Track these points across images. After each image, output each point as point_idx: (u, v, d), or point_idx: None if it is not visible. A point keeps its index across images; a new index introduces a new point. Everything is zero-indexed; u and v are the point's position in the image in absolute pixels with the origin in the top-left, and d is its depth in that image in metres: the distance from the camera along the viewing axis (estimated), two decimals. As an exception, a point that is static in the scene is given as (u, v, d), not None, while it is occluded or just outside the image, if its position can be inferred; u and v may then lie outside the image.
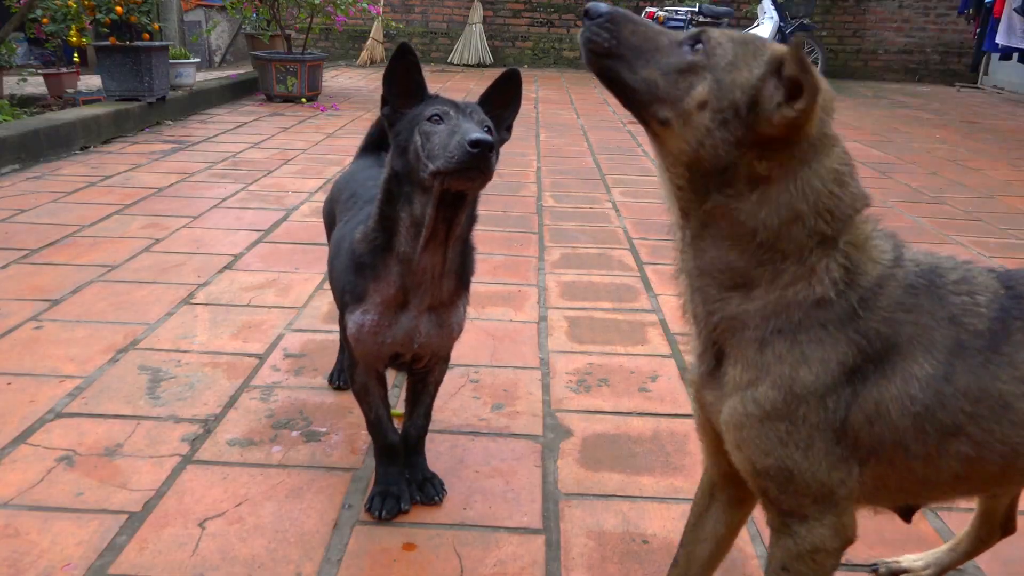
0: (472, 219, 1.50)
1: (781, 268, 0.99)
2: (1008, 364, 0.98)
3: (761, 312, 1.00)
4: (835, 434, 0.99)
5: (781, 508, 1.04)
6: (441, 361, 1.65)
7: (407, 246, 1.42)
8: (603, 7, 1.03)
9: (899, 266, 1.02)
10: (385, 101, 1.46)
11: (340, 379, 2.08)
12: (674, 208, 1.06)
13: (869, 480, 1.03)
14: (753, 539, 1.55)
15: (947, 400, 0.98)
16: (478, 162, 1.29)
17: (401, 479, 1.62)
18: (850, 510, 1.05)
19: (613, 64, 1.02)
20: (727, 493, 1.21)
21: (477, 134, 1.27)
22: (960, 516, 1.64)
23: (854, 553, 1.52)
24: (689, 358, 1.15)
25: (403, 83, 1.44)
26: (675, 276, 1.11)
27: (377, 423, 1.62)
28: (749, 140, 0.96)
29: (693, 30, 1.02)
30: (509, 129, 1.54)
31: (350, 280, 1.51)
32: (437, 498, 1.63)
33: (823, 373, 0.98)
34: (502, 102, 1.51)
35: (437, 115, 1.36)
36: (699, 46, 0.99)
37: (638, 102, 1.01)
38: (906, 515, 1.15)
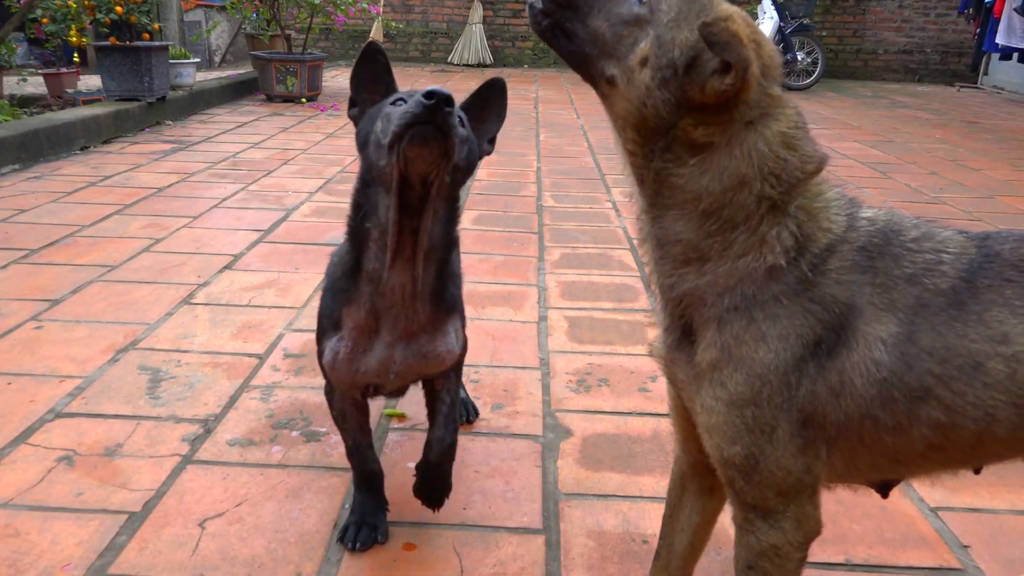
0: (449, 235, 1.37)
1: (730, 238, 0.97)
2: (978, 322, 0.93)
3: (714, 287, 0.98)
4: (801, 415, 0.96)
5: (745, 501, 1.02)
6: (445, 375, 1.52)
7: (375, 262, 1.32)
8: None
9: (853, 228, 0.99)
10: (353, 103, 1.39)
11: None
12: (629, 174, 1.05)
13: (839, 460, 1.00)
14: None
15: (913, 361, 0.93)
16: (433, 115, 1.14)
17: (380, 509, 1.54)
18: (815, 500, 1.02)
19: (563, 15, 0.99)
20: (697, 482, 1.20)
21: (433, 87, 1.16)
22: (961, 516, 1.65)
23: (854, 553, 1.52)
24: (653, 333, 1.13)
25: (372, 85, 1.38)
26: (640, 244, 1.08)
27: (355, 450, 1.54)
28: (685, 103, 0.94)
29: None
30: (492, 142, 1.43)
31: (326, 305, 1.44)
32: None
33: (782, 350, 0.95)
34: (484, 114, 1.41)
35: (401, 98, 1.27)
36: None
37: (587, 56, 0.99)
38: (883, 490, 1.11)
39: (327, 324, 1.43)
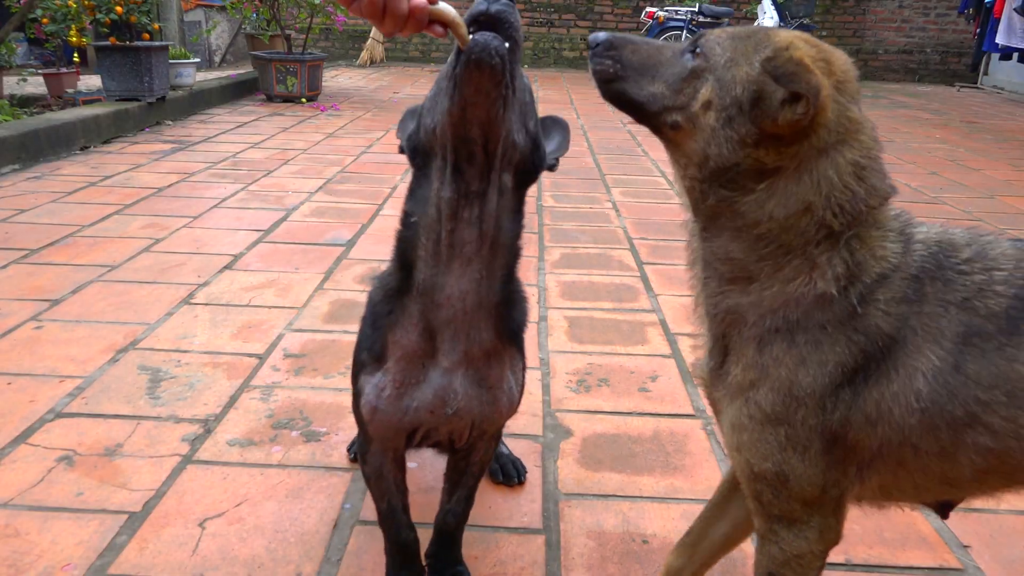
0: (517, 235, 1.16)
1: (782, 262, 0.97)
2: None
3: (758, 307, 0.98)
4: (832, 436, 0.97)
5: (771, 513, 1.03)
6: (490, 438, 1.32)
7: (428, 269, 1.10)
8: (601, 36, 1.05)
9: (907, 254, 0.97)
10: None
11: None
12: (685, 200, 1.06)
13: (876, 483, 1.01)
14: (753, 539, 1.55)
15: (957, 390, 0.92)
16: (493, 21, 0.98)
17: None
18: (839, 513, 1.03)
19: (621, 86, 1.03)
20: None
21: None
22: (961, 516, 1.64)
23: (854, 552, 1.52)
24: (696, 355, 1.13)
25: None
26: (689, 267, 1.10)
27: (390, 515, 1.32)
28: (755, 137, 0.94)
29: (693, 36, 1.03)
30: (556, 160, 1.25)
31: (364, 337, 1.21)
32: None
33: (820, 375, 0.95)
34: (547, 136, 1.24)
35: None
36: (699, 49, 0.98)
37: (649, 114, 1.02)
38: (942, 511, 1.11)
39: (366, 358, 1.19)
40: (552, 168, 1.21)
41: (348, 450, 1.81)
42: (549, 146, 1.23)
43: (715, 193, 0.99)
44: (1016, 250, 0.98)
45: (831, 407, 0.95)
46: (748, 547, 1.53)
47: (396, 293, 1.16)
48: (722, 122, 0.95)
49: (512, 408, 1.25)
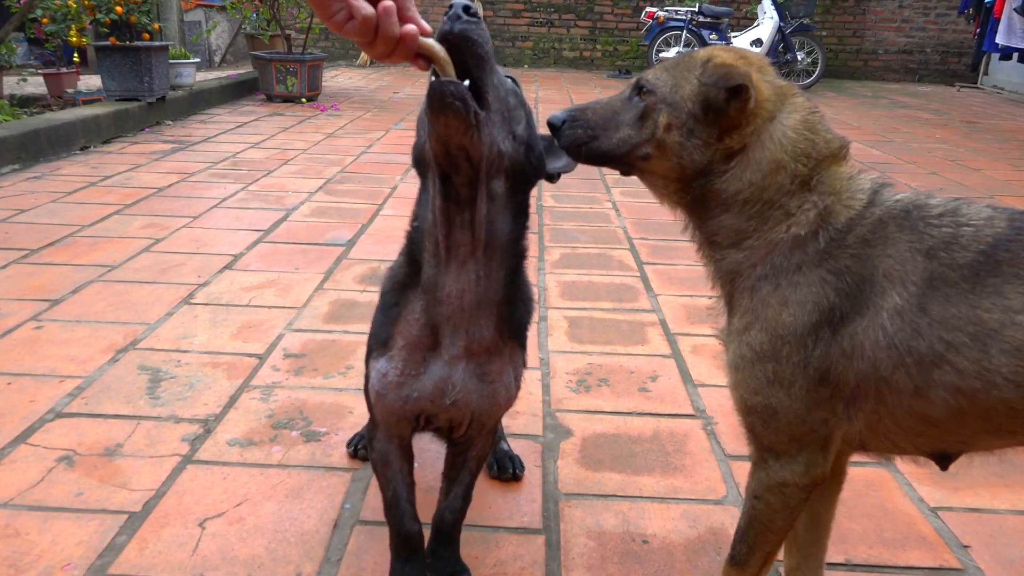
0: (517, 237, 1.20)
1: (767, 215, 1.10)
2: (994, 294, 0.98)
3: (750, 259, 1.11)
4: (816, 373, 1.05)
5: (762, 443, 1.13)
6: (486, 432, 1.34)
7: (431, 268, 1.18)
8: (559, 116, 1.19)
9: (875, 205, 1.08)
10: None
11: (358, 445, 1.79)
12: (674, 207, 1.21)
13: (862, 421, 1.07)
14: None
15: (922, 330, 1.00)
16: (456, 28, 1.03)
17: None
18: (827, 451, 1.10)
19: (594, 145, 1.18)
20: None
21: None
22: (961, 516, 1.65)
23: (854, 553, 1.52)
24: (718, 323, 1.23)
25: None
26: (697, 250, 1.21)
27: (394, 503, 1.34)
28: (717, 134, 1.10)
29: (631, 80, 1.19)
30: (557, 175, 1.30)
31: (376, 324, 1.28)
32: None
33: (801, 314, 1.05)
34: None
35: None
36: (643, 88, 1.14)
37: (621, 156, 1.17)
38: (942, 462, 1.14)
39: (375, 344, 1.26)
40: (552, 179, 1.30)
41: (348, 445, 1.82)
42: (557, 163, 1.29)
43: (698, 187, 1.13)
44: (990, 212, 1.05)
45: (812, 344, 1.05)
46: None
47: (403, 287, 1.23)
48: (685, 135, 1.11)
49: (509, 401, 1.30)
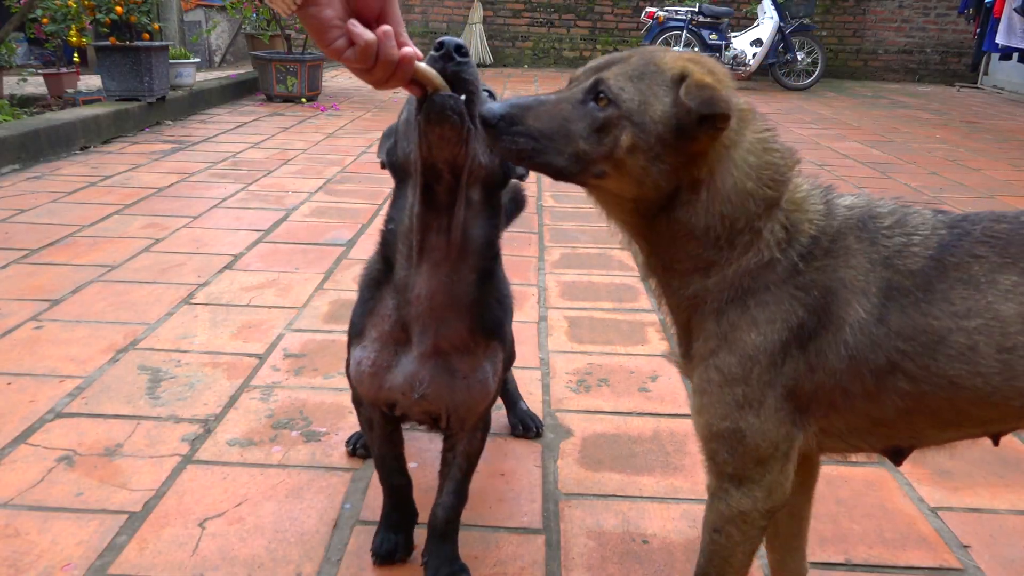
0: (491, 240, 1.26)
1: (736, 242, 1.04)
2: (942, 300, 1.00)
3: (718, 285, 1.06)
4: (784, 390, 1.04)
5: (724, 472, 1.09)
6: (471, 428, 1.38)
7: (403, 269, 1.24)
8: (496, 109, 1.01)
9: (832, 216, 1.06)
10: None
11: (357, 444, 1.82)
12: (625, 234, 1.12)
13: (816, 426, 1.07)
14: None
15: (880, 340, 1.01)
16: (449, 69, 1.10)
17: (406, 520, 1.49)
18: (787, 469, 1.09)
19: (542, 159, 1.02)
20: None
21: (443, 39, 1.12)
22: (961, 516, 1.65)
23: (854, 553, 1.52)
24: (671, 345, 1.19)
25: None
26: (644, 279, 1.15)
27: (381, 461, 1.46)
28: (683, 160, 1.00)
29: (586, 82, 1.02)
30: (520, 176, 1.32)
31: (354, 314, 1.36)
32: None
33: (770, 332, 1.03)
34: None
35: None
36: (602, 95, 1.00)
37: (573, 173, 1.03)
38: (895, 458, 1.16)
39: (353, 332, 1.36)
40: (522, 178, 1.31)
41: (347, 444, 1.82)
42: None
43: (661, 214, 1.04)
44: (934, 220, 1.07)
45: (781, 362, 1.03)
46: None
47: (377, 283, 1.31)
48: (650, 160, 0.99)
49: (486, 396, 1.33)
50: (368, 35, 0.99)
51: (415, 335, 1.26)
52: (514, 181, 1.32)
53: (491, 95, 1.20)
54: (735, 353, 1.04)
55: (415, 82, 1.08)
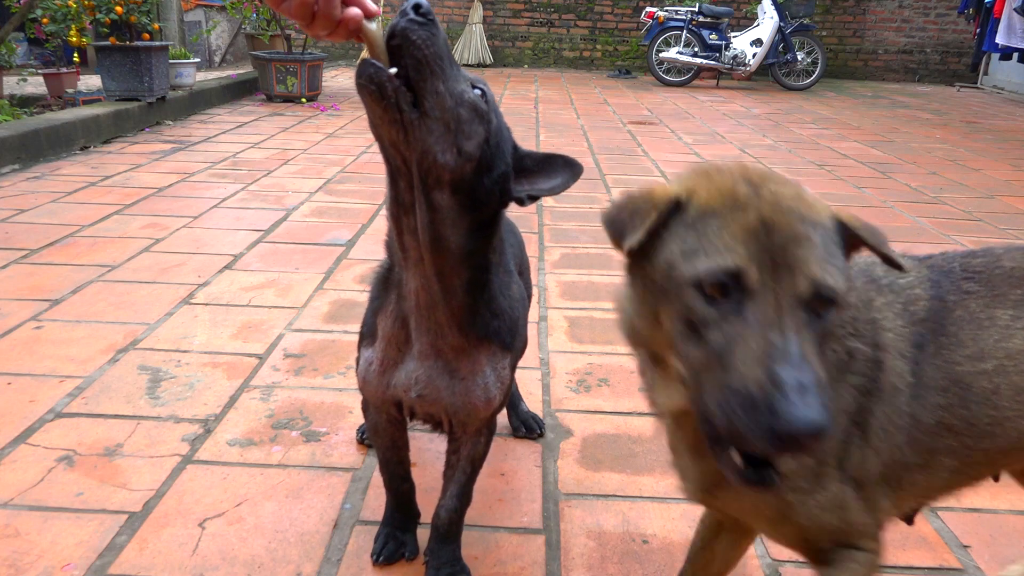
0: (476, 247, 1.15)
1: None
2: (957, 344, 0.95)
3: None
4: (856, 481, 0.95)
5: (835, 543, 0.97)
6: (475, 433, 1.35)
7: (397, 266, 1.22)
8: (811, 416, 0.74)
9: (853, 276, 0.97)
10: None
11: (365, 433, 1.86)
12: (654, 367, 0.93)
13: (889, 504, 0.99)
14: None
15: (925, 399, 0.94)
16: (399, 26, 0.98)
17: (409, 522, 1.50)
18: (881, 529, 1.00)
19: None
20: (736, 528, 1.19)
21: None
22: (961, 516, 1.64)
23: (854, 553, 1.52)
24: (675, 465, 1.06)
25: None
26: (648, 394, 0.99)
27: (385, 465, 1.45)
28: None
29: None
30: (532, 198, 1.19)
31: (365, 315, 1.35)
32: None
33: (839, 429, 0.92)
34: (540, 170, 1.20)
35: None
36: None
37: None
38: (909, 519, 1.12)
39: (364, 332, 1.35)
40: (521, 202, 1.17)
41: (357, 432, 1.87)
42: (547, 183, 1.20)
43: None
44: (911, 261, 1.00)
45: (850, 451, 0.93)
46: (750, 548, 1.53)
47: (384, 281, 1.29)
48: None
49: (489, 402, 1.27)
50: None
51: (412, 332, 1.23)
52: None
53: (484, 93, 1.09)
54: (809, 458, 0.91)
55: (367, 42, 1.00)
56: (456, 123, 1.05)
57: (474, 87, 1.09)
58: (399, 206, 1.12)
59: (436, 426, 1.36)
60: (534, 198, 1.18)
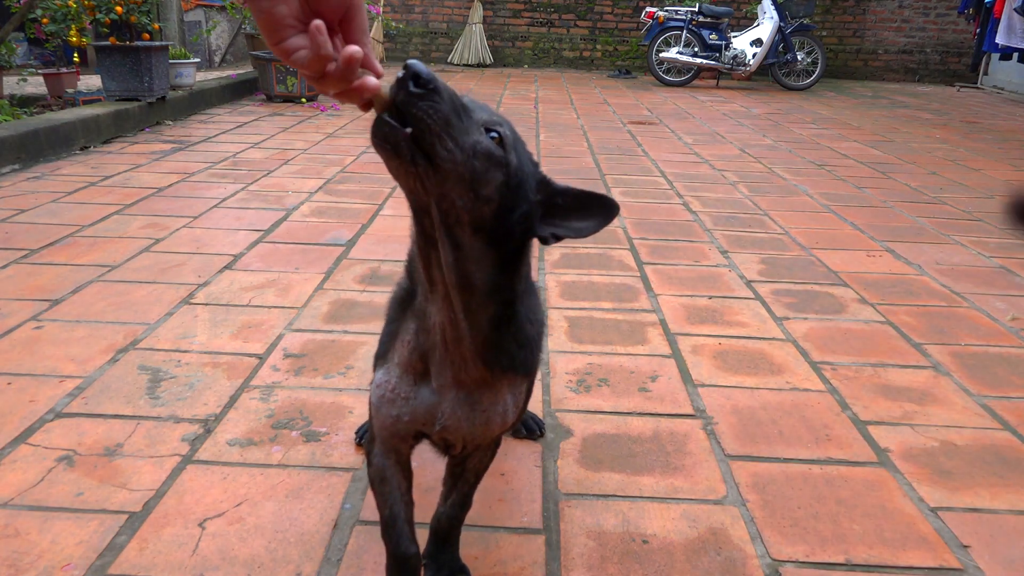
0: (504, 283, 1.12)
1: None
2: None
3: None
4: None
5: None
6: (484, 448, 1.33)
7: (421, 295, 1.16)
8: None
9: None
10: None
11: (363, 435, 1.83)
12: None
13: None
14: (753, 539, 1.55)
15: None
16: (399, 99, 0.96)
17: None
18: None
19: None
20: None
21: (410, 60, 1.01)
22: (961, 516, 1.65)
23: (854, 553, 1.52)
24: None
25: None
26: None
27: (390, 523, 1.29)
28: None
29: None
30: (556, 237, 1.15)
31: (382, 333, 1.29)
32: None
33: None
34: (574, 210, 1.16)
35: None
36: None
37: None
38: None
39: (380, 351, 1.28)
40: (545, 241, 1.14)
41: (355, 432, 1.85)
42: (578, 223, 1.16)
43: None
44: None
45: None
46: (748, 547, 1.53)
47: (402, 303, 1.23)
48: None
49: (505, 425, 1.26)
50: (327, 48, 0.90)
51: (433, 366, 1.17)
52: None
53: (500, 136, 1.07)
54: None
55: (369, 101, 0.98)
56: (471, 173, 1.03)
57: (490, 131, 1.06)
58: (425, 239, 1.08)
59: (446, 449, 1.30)
60: (559, 238, 1.14)
